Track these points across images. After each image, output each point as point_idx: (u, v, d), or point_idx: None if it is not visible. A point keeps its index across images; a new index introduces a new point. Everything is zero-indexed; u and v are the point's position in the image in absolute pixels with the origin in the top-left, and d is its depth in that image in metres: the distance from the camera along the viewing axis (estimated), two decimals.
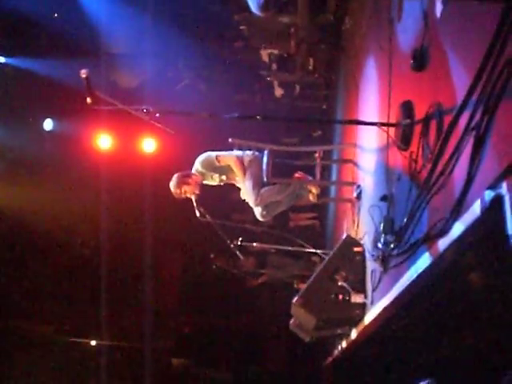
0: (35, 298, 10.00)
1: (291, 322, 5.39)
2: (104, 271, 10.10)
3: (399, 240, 3.65)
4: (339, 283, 4.68)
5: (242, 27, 8.49)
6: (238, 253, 6.25)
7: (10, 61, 8.94)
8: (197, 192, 5.83)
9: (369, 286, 4.54)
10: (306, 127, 9.25)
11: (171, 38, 8.97)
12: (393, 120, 3.88)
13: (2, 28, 8.70)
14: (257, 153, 5.78)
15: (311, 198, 5.84)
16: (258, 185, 5.70)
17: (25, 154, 9.29)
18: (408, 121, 3.55)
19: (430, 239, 3.07)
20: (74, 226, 9.90)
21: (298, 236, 6.24)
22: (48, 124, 9.28)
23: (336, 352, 6.00)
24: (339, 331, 5.25)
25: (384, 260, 3.95)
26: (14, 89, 9.09)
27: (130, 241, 10.29)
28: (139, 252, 10.38)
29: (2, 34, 8.80)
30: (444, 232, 2.84)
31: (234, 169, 5.78)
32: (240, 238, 6.21)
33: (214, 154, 5.86)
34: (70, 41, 8.93)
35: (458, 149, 2.76)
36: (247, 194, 5.82)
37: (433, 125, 3.18)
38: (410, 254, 3.40)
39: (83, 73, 3.85)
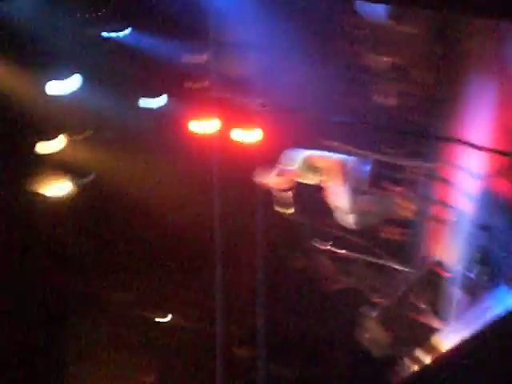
0: (117, 270, 10.31)
1: (365, 334, 5.33)
2: (186, 251, 10.30)
3: (493, 273, 3.52)
4: (421, 305, 4.58)
5: (357, 31, 8.37)
6: (323, 256, 6.26)
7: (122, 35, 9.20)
8: (289, 187, 5.87)
9: (452, 314, 4.41)
10: (410, 141, 9.04)
11: (283, 32, 9.01)
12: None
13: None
14: (358, 160, 5.73)
15: (407, 213, 5.73)
16: (357, 192, 5.64)
17: (127, 130, 9.60)
18: None
19: None
20: (166, 203, 10.12)
21: (386, 250, 6.13)
22: (154, 102, 9.51)
23: (404, 373, 5.89)
24: (411, 352, 5.17)
25: (473, 290, 3.82)
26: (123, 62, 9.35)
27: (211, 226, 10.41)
28: (223, 238, 10.51)
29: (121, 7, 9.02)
30: None
31: (333, 172, 5.73)
32: (330, 242, 6.19)
33: (313, 153, 5.84)
34: (183, 22, 9.10)
35: None
36: (342, 199, 5.76)
37: None
38: (503, 289, 3.27)
39: (202, 58, 3.92)
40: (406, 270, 5.99)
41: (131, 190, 9.74)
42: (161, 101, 9.39)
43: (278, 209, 5.76)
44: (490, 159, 3.99)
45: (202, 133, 8.74)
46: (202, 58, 3.92)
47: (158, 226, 10.43)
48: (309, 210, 6.09)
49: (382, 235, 9.43)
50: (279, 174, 5.82)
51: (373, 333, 5.05)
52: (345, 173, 5.67)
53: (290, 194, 5.69)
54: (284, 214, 5.75)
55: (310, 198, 6.96)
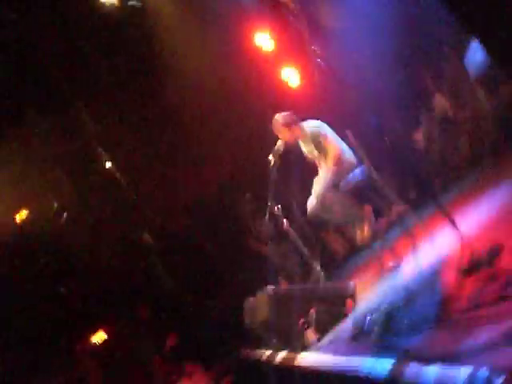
0: None
1: (250, 299, 5.43)
2: None
3: (383, 334, 3.56)
4: (311, 312, 4.63)
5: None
6: (267, 214, 6.33)
7: None
8: (288, 141, 5.93)
9: (329, 337, 4.48)
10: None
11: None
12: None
13: None
14: (355, 160, 5.76)
15: (358, 234, 5.77)
16: (335, 186, 5.68)
17: None
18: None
19: (406, 357, 2.97)
20: None
21: (322, 250, 6.19)
22: None
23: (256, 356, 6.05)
24: (273, 343, 5.27)
25: (358, 334, 3.87)
26: None
27: None
28: None
29: None
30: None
31: (329, 157, 5.77)
32: (279, 206, 6.24)
33: (327, 130, 5.87)
34: None
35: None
36: (319, 184, 5.82)
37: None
38: (378, 350, 3.31)
39: None
40: (324, 275, 6.09)
41: None
42: None
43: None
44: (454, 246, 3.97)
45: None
46: None
47: None
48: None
49: (324, 237, 9.71)
50: (290, 124, 5.88)
51: (256, 303, 5.14)
52: (336, 162, 5.70)
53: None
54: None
55: None
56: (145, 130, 10.86)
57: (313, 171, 6.11)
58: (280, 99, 9.46)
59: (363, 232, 5.74)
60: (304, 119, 6.06)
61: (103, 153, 10.45)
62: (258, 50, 9.72)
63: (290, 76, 9.92)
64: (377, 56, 9.45)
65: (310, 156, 6.09)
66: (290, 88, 9.98)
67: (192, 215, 11.29)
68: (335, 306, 4.69)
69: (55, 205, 10.42)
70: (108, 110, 10.53)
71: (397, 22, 8.69)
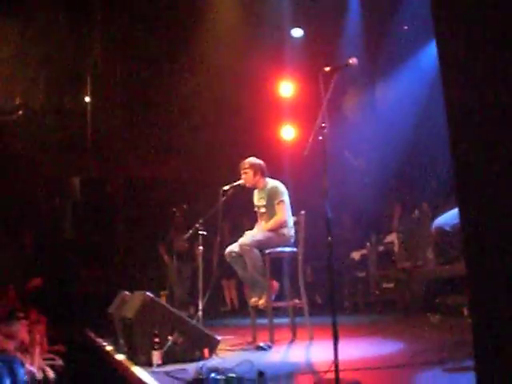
0: None
1: (125, 293, 5.40)
2: None
3: None
4: (169, 338, 4.59)
5: None
6: (189, 233, 6.37)
7: None
8: (247, 184, 5.99)
9: (170, 367, 4.44)
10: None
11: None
12: None
13: None
14: (293, 238, 5.84)
15: (254, 300, 5.79)
16: (260, 248, 5.73)
17: None
18: None
19: None
20: None
21: (213, 292, 6.18)
22: None
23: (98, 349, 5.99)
24: (120, 343, 5.24)
25: (193, 381, 3.84)
26: None
27: None
28: None
29: None
30: None
31: (273, 220, 5.85)
32: (201, 222, 6.28)
33: (285, 198, 5.93)
34: None
35: None
36: (250, 235, 5.86)
37: None
38: None
39: (352, 61, 3.93)
40: (198, 314, 6.07)
41: None
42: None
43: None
44: None
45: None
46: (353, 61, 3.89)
47: None
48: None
49: (224, 282, 9.83)
50: (258, 171, 5.97)
51: (130, 301, 5.11)
52: (275, 231, 5.79)
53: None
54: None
55: None
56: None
57: (247, 219, 6.17)
58: (269, 145, 9.81)
59: (258, 301, 5.77)
60: (272, 177, 6.14)
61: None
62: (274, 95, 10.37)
63: (288, 131, 10.58)
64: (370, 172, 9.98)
65: (256, 207, 6.15)
66: (283, 140, 10.54)
67: (130, 187, 11.28)
68: (193, 347, 4.66)
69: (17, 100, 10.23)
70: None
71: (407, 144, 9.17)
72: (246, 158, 6.16)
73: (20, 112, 10.13)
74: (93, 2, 10.38)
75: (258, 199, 6.11)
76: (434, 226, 6.52)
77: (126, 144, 11.24)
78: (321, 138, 3.87)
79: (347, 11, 10.44)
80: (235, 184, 6.07)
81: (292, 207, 6.02)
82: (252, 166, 6.04)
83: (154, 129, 11.31)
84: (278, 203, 5.88)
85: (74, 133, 10.87)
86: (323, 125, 3.88)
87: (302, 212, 5.90)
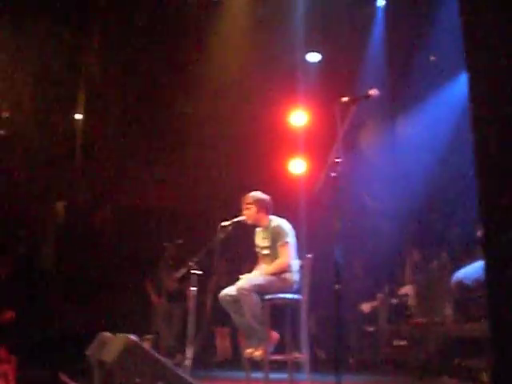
0: None
1: (106, 334, 5.37)
2: None
3: None
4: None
5: None
6: (182, 272, 6.36)
7: None
8: (248, 221, 5.98)
9: None
10: None
11: None
12: None
13: None
14: (297, 282, 5.81)
15: (250, 351, 5.74)
16: (260, 292, 5.69)
17: None
18: None
19: None
20: None
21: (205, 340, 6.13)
22: None
23: None
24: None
25: None
26: None
27: None
28: None
29: None
30: None
31: (276, 263, 5.82)
32: (195, 260, 6.24)
33: (290, 239, 5.91)
34: None
35: None
36: (249, 278, 5.84)
37: None
38: None
39: (373, 92, 3.95)
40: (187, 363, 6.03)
41: None
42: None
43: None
44: None
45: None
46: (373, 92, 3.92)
47: None
48: None
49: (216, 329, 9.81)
50: (262, 208, 5.96)
51: (115, 342, 5.09)
52: (278, 276, 5.77)
53: None
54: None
55: None
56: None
57: (246, 260, 6.13)
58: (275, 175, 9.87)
59: (254, 352, 5.71)
60: (278, 215, 6.12)
61: None
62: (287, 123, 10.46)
63: (298, 165, 10.63)
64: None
65: (258, 248, 6.13)
66: (292, 175, 10.61)
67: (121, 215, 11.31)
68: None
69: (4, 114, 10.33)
70: None
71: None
72: (250, 191, 6.16)
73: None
74: (86, 15, 10.51)
75: (261, 239, 6.09)
76: (453, 280, 6.50)
77: (119, 169, 11.28)
78: (334, 174, 3.87)
79: (370, 37, 10.52)
80: (235, 220, 6.06)
81: (297, 249, 5.99)
82: (256, 201, 6.04)
83: (151, 154, 11.35)
84: (281, 245, 5.86)
85: (62, 153, 10.92)
86: (337, 160, 3.90)
87: (309, 255, 5.88)
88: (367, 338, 9.91)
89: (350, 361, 9.91)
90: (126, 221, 11.37)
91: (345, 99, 3.99)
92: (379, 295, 9.80)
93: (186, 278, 7.48)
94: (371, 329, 9.89)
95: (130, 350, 4.59)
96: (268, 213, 6.07)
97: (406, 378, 8.32)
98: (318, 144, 9.63)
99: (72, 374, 6.77)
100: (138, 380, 4.45)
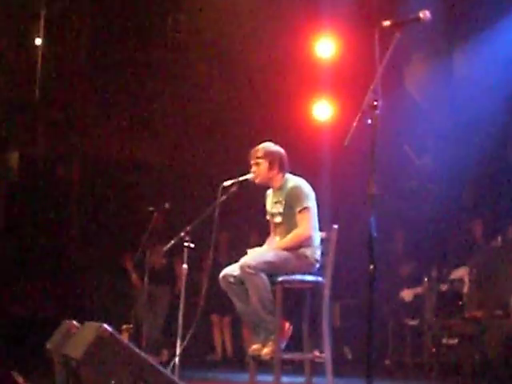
0: None
1: (71, 322, 5.44)
2: None
3: None
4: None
5: None
6: (171, 243, 6.40)
7: None
8: (257, 180, 6.01)
9: None
10: None
11: None
12: None
13: None
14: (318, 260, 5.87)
15: (254, 346, 5.81)
16: (273, 273, 5.74)
17: None
18: None
19: None
20: None
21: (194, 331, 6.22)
22: None
23: None
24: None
25: None
26: None
27: None
28: None
29: None
30: None
31: (292, 236, 5.85)
32: (188, 229, 6.29)
33: (311, 203, 5.93)
34: None
35: None
36: (258, 254, 5.88)
37: None
38: None
39: (424, 15, 3.94)
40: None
41: None
42: None
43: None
44: None
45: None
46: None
47: None
48: None
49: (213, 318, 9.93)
50: (275, 163, 5.99)
51: (83, 331, 5.17)
52: (294, 252, 5.84)
53: None
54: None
55: None
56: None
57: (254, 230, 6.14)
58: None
59: (262, 349, 5.77)
60: (296, 174, 6.13)
61: None
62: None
63: (323, 109, 10.59)
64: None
65: (269, 215, 6.16)
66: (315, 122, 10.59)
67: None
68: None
69: None
70: None
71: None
72: (261, 143, 6.17)
73: None
74: None
75: (273, 203, 6.11)
76: None
77: (90, 111, 11.27)
78: (370, 121, 3.87)
79: None
80: (241, 179, 6.08)
81: (320, 219, 6.02)
82: (268, 154, 6.05)
83: (131, 92, 11.32)
84: (300, 211, 5.88)
85: (18, 91, 10.93)
86: (375, 103, 3.89)
87: (335, 226, 5.91)
88: (408, 334, 9.99)
89: (386, 362, 10.02)
90: (98, 179, 11.39)
91: (386, 23, 3.97)
92: (425, 280, 9.84)
93: (175, 253, 7.52)
94: (413, 323, 9.96)
95: (102, 343, 4.65)
96: (283, 170, 6.07)
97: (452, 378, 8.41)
98: (350, 83, 9.60)
99: (28, 373, 6.88)
100: (112, 381, 4.52)
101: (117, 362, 4.64)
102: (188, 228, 6.36)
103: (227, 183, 6.09)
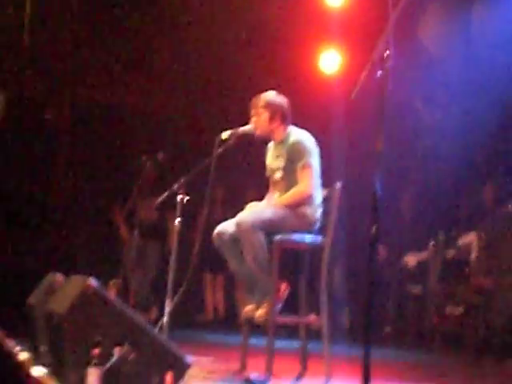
0: None
1: (56, 275, 5.44)
2: None
3: None
4: (115, 350, 4.64)
5: None
6: (162, 194, 6.39)
7: None
8: (257, 132, 6.00)
9: None
10: None
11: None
12: None
13: None
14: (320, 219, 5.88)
15: (250, 308, 5.83)
16: (271, 231, 5.75)
17: None
18: None
19: None
20: None
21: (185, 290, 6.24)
22: None
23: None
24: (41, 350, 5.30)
25: None
26: None
27: None
28: None
29: None
30: None
31: (293, 193, 5.86)
32: (182, 181, 6.25)
33: (314, 159, 5.93)
34: None
35: None
36: (256, 210, 5.90)
37: None
38: None
39: None
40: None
41: None
42: None
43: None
44: None
45: None
46: None
47: None
48: None
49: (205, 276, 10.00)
50: (277, 114, 5.97)
51: (65, 287, 5.18)
52: (295, 210, 5.86)
53: None
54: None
55: None
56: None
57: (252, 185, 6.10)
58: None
59: (256, 310, 5.80)
60: (299, 126, 6.12)
61: None
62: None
63: (330, 59, 10.51)
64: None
65: (269, 170, 6.15)
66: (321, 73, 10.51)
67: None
68: (150, 368, 4.70)
69: None
70: None
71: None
72: (262, 92, 6.15)
73: None
74: None
75: (274, 158, 6.11)
76: None
77: (80, 52, 11.20)
78: (380, 73, 3.84)
79: None
80: (240, 130, 6.06)
81: (322, 175, 6.02)
82: (269, 105, 6.03)
83: (124, 33, 11.23)
84: (302, 167, 5.87)
85: (6, 35, 10.84)
86: (386, 54, 3.86)
87: (338, 184, 5.90)
88: (411, 301, 10.03)
89: (386, 330, 10.08)
90: (88, 125, 11.35)
91: None
92: (431, 245, 9.85)
93: (168, 206, 7.51)
94: (417, 290, 10.00)
95: (88, 298, 4.67)
96: (285, 122, 6.06)
97: (460, 357, 8.47)
98: (360, 31, 9.53)
99: (9, 329, 6.90)
100: (97, 339, 4.54)
101: (102, 319, 4.67)
102: (182, 180, 6.33)
103: (225, 135, 6.07)
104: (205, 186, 6.07)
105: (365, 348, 3.64)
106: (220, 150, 6.04)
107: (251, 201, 6.27)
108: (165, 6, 11.13)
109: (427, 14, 10.64)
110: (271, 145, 6.18)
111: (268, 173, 6.21)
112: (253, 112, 6.06)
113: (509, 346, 7.87)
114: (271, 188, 6.21)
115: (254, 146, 6.42)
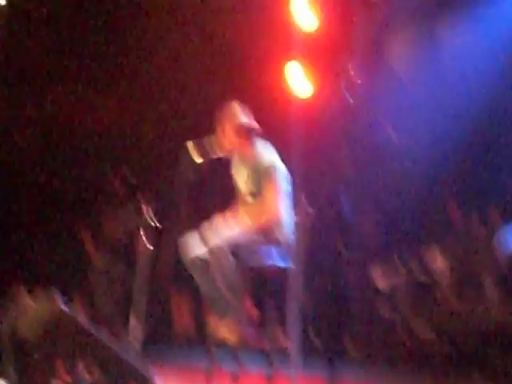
0: None
1: (25, 298, 5.47)
2: None
3: None
4: (82, 371, 4.68)
5: None
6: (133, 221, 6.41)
7: None
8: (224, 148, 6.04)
9: None
10: None
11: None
12: None
13: None
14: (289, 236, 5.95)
15: (216, 327, 5.87)
16: (235, 248, 5.81)
17: None
18: None
19: None
20: None
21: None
22: None
23: None
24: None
25: None
26: None
27: None
28: None
29: None
30: None
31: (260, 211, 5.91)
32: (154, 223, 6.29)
33: (280, 175, 5.98)
34: None
35: None
36: (230, 233, 5.95)
37: None
38: None
39: None
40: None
41: None
42: None
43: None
44: None
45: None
46: None
47: None
48: None
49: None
50: (242, 130, 6.04)
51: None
52: (262, 229, 5.95)
53: None
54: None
55: None
56: None
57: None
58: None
59: (223, 329, 5.83)
60: (264, 137, 6.18)
61: None
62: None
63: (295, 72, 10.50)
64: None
65: (238, 189, 6.23)
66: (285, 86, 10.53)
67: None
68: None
69: None
70: None
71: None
72: (228, 104, 6.19)
73: None
74: None
75: (243, 178, 6.16)
76: (502, 246, 6.65)
77: (48, 68, 11.20)
78: (345, 90, 3.91)
79: None
80: (217, 157, 6.13)
81: (294, 200, 6.07)
82: (234, 120, 6.11)
83: (91, 48, 11.24)
84: (267, 185, 5.95)
85: None
86: (352, 72, 3.94)
87: (308, 210, 5.96)
88: (380, 325, 10.01)
89: (353, 354, 10.04)
90: (53, 141, 11.35)
91: None
92: (400, 267, 9.86)
93: (135, 225, 7.57)
94: (387, 314, 9.97)
95: (55, 321, 4.69)
96: (250, 136, 6.13)
97: (431, 373, 8.44)
98: (327, 46, 9.57)
99: None
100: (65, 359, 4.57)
101: (69, 340, 4.70)
102: (150, 212, 6.35)
103: (190, 144, 6.05)
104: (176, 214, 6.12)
105: (330, 368, 3.71)
106: (192, 175, 6.03)
107: (216, 211, 6.26)
108: (128, 23, 11.16)
109: (396, 33, 10.76)
110: (238, 161, 6.22)
111: (236, 190, 6.23)
112: (218, 127, 6.08)
113: (477, 371, 7.91)
114: (240, 205, 6.23)
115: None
